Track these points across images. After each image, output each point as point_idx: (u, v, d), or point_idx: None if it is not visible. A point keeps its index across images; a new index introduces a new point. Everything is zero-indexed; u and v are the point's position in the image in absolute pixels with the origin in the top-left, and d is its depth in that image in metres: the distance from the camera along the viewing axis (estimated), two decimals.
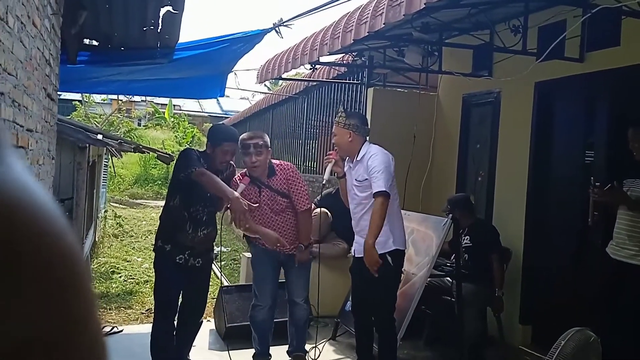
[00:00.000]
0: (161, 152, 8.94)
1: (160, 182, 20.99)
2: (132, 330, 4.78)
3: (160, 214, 3.58)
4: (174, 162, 3.63)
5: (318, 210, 5.25)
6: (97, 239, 9.00)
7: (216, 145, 3.41)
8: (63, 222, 0.29)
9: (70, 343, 0.28)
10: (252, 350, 3.86)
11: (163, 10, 3.78)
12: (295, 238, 3.72)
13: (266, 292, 3.75)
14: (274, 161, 3.73)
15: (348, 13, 4.02)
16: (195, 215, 3.39)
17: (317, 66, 5.50)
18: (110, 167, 12.95)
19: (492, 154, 5.04)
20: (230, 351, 3.67)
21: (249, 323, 3.92)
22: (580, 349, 2.96)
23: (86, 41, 4.32)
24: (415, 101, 5.79)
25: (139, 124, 25.13)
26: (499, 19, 4.29)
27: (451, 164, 5.51)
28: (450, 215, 4.14)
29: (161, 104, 25.34)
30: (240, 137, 3.62)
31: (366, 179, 3.36)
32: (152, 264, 3.66)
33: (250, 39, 4.48)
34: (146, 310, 6.06)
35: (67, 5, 3.47)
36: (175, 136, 23.56)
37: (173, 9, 3.77)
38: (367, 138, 3.55)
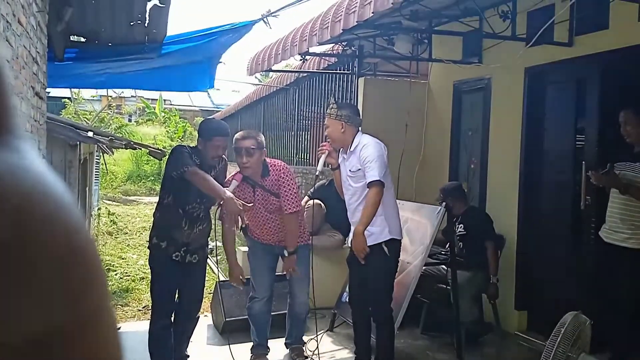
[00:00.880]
0: (153, 148, 8.90)
1: (153, 178, 20.90)
2: (130, 328, 4.77)
3: (154, 212, 3.54)
4: (166, 159, 3.60)
5: (312, 202, 5.25)
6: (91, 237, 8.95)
7: (207, 139, 3.39)
8: (77, 212, 0.29)
9: (87, 334, 0.28)
10: (250, 344, 3.88)
11: (150, 4, 3.74)
12: (290, 230, 3.72)
13: (263, 284, 3.77)
14: (268, 160, 3.68)
15: (336, 3, 4.00)
16: (191, 212, 3.36)
17: (307, 57, 5.48)
18: (102, 164, 12.89)
19: (484, 141, 5.05)
20: (230, 345, 3.67)
21: (246, 317, 3.93)
22: (578, 333, 2.99)
23: (73, 38, 4.27)
24: (406, 90, 5.79)
25: (130, 120, 24.98)
26: (488, 4, 4.28)
27: (443, 152, 5.52)
28: (444, 203, 4.16)
29: (151, 99, 25.20)
30: (235, 136, 3.61)
31: (359, 169, 3.37)
32: (147, 261, 3.62)
33: (238, 30, 4.45)
34: (143, 307, 6.06)
35: (53, 2, 3.43)
36: (167, 131, 23.45)
37: (160, 2, 3.73)
38: (360, 128, 3.54)
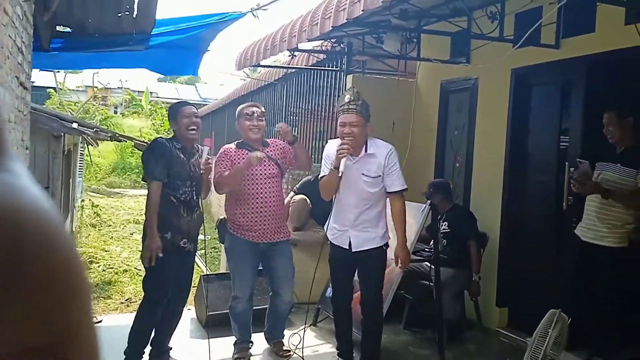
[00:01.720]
0: (138, 141, 8.84)
1: (137, 171, 20.71)
2: (112, 321, 4.75)
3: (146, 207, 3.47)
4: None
5: (297, 197, 5.26)
6: (74, 229, 8.88)
7: (177, 115, 3.45)
8: (65, 230, 0.30)
9: (70, 347, 0.29)
10: (233, 338, 3.88)
11: None
12: (280, 212, 3.76)
13: (246, 284, 3.71)
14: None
15: (326, 0, 4.00)
16: (185, 197, 3.38)
17: (296, 53, 5.47)
18: (86, 155, 12.76)
19: (469, 140, 5.09)
20: (211, 339, 3.66)
21: (228, 311, 3.91)
22: (559, 330, 3.04)
23: (59, 28, 4.22)
24: (394, 88, 5.81)
25: (115, 112, 24.74)
26: (477, 5, 4.31)
27: (430, 150, 5.55)
28: (429, 201, 4.19)
29: (138, 91, 24.98)
30: (242, 105, 3.81)
31: (379, 175, 3.29)
32: (141, 255, 3.49)
33: (227, 21, 4.43)
34: (125, 300, 6.03)
35: None
36: (153, 124, 23.26)
37: None
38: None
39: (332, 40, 5.17)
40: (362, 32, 4.98)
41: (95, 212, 11.37)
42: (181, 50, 4.88)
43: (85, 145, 10.37)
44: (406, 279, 4.13)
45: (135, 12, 3.89)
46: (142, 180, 3.48)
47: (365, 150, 3.30)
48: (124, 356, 3.43)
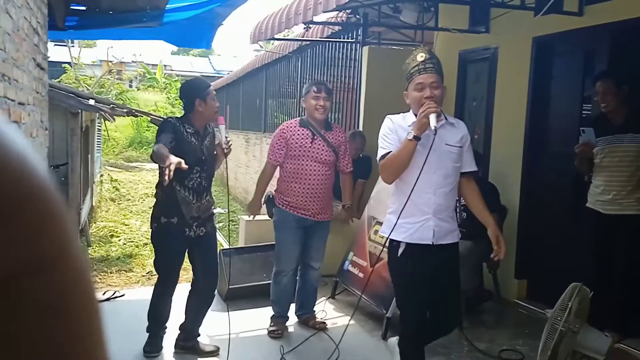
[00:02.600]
0: (154, 116, 8.87)
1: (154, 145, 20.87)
2: (134, 295, 4.84)
3: (155, 190, 3.36)
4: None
5: None
6: (94, 204, 9.02)
7: (205, 95, 3.22)
8: (32, 156, 0.29)
9: (53, 273, 0.28)
10: (252, 311, 3.93)
11: None
12: (328, 195, 3.79)
13: (292, 257, 3.80)
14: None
15: None
16: (193, 184, 3.25)
17: (311, 25, 5.39)
18: (104, 130, 12.85)
19: (488, 111, 5.01)
20: (230, 312, 3.71)
21: (249, 284, 3.97)
22: (580, 304, 3.03)
23: (74, 6, 4.20)
24: None
25: (130, 86, 24.80)
26: None
27: None
28: None
29: (152, 65, 24.95)
30: (306, 85, 3.82)
31: (460, 147, 2.70)
32: (151, 238, 3.44)
33: None
34: (147, 273, 6.14)
35: None
36: (168, 98, 23.30)
37: None
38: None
39: (348, 11, 5.08)
40: (378, 2, 4.88)
41: (114, 187, 11.50)
42: (195, 24, 4.83)
43: (102, 120, 10.44)
44: None
45: None
46: (150, 158, 3.20)
47: (445, 118, 2.71)
48: (147, 333, 3.47)
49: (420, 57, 2.70)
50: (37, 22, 2.91)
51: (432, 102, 2.55)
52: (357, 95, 5.91)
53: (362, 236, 4.59)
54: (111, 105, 7.31)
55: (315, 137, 3.68)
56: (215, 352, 3.48)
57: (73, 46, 18.52)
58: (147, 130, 20.61)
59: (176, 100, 23.08)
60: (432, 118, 2.51)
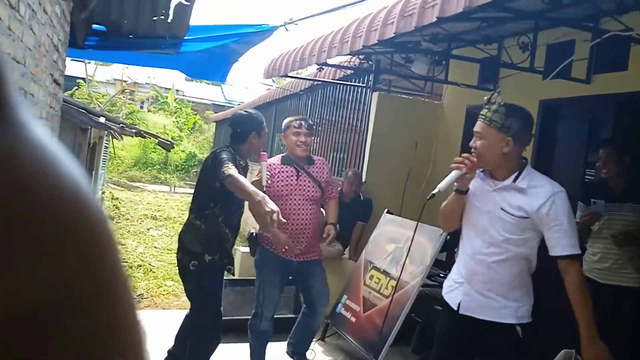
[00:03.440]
0: (162, 139, 8.96)
1: (159, 167, 21.00)
2: None
3: (195, 223, 3.16)
4: (206, 165, 3.21)
5: None
6: None
7: (260, 130, 3.21)
8: (85, 184, 0.28)
9: (101, 304, 0.28)
10: (244, 345, 3.85)
11: (175, 1, 3.78)
12: (316, 233, 3.60)
13: (273, 302, 3.56)
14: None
15: (358, 19, 4.02)
16: (236, 222, 3.20)
17: (324, 66, 5.51)
18: (110, 148, 12.94)
19: None
20: (222, 344, 3.65)
21: (241, 317, 3.87)
22: None
23: (95, 27, 4.31)
24: (419, 108, 5.81)
25: (141, 107, 25.09)
26: (508, 33, 4.29)
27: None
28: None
29: (164, 88, 25.31)
30: (289, 118, 3.64)
31: (527, 217, 2.26)
32: (188, 276, 3.17)
33: (260, 34, 4.48)
34: (137, 296, 6.09)
35: None
36: (177, 122, 23.54)
37: (185, 0, 3.77)
38: (523, 154, 2.39)
39: (361, 56, 5.19)
40: (391, 51, 5.00)
41: (114, 205, 11.51)
42: (212, 57, 4.94)
43: (110, 138, 10.53)
44: (419, 302, 4.10)
45: (170, 17, 3.96)
46: (220, 180, 2.89)
47: (514, 180, 2.30)
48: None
49: (485, 99, 2.42)
50: (58, 39, 2.99)
51: (467, 157, 2.31)
52: (364, 137, 5.98)
53: (357, 280, 4.56)
54: (121, 125, 7.40)
55: (300, 174, 3.52)
56: None
57: (89, 63, 18.86)
58: (153, 152, 20.76)
59: (184, 125, 23.29)
60: (449, 177, 2.33)
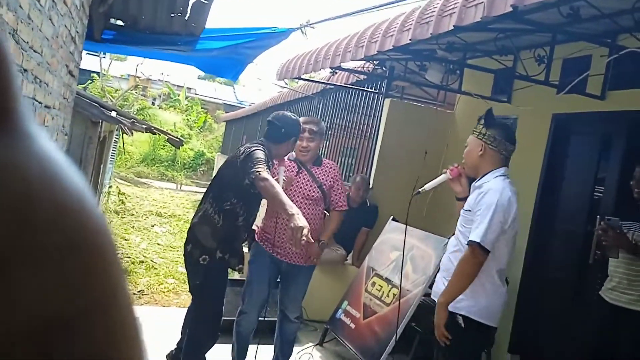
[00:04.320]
0: (172, 136, 8.97)
1: (166, 164, 21.07)
2: None
3: (216, 219, 3.07)
4: (235, 159, 3.11)
5: None
6: None
7: (297, 137, 3.18)
8: (90, 197, 0.28)
9: (98, 321, 0.28)
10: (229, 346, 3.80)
11: None
12: (314, 233, 3.36)
13: (259, 300, 3.48)
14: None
15: (374, 24, 4.02)
16: (252, 221, 3.16)
17: (337, 70, 5.51)
18: (120, 142, 13.00)
19: None
20: (217, 344, 3.64)
21: (232, 318, 3.84)
22: None
23: (112, 21, 4.33)
24: (431, 117, 5.79)
25: (153, 103, 25.24)
26: (525, 45, 4.28)
27: None
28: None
29: (177, 86, 25.44)
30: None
31: (469, 210, 2.61)
32: (205, 277, 3.12)
33: (276, 36, 4.50)
34: (138, 292, 6.09)
35: None
36: (187, 120, 23.64)
37: None
38: (507, 165, 2.72)
39: (375, 62, 5.19)
40: (405, 58, 4.99)
41: (120, 200, 11.55)
42: (226, 56, 4.96)
43: (120, 133, 10.57)
44: (420, 312, 4.07)
45: (187, 15, 3.97)
46: (251, 181, 2.81)
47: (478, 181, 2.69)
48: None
49: (478, 117, 2.78)
50: (76, 31, 3.01)
51: (458, 165, 2.76)
52: (373, 144, 5.97)
53: (358, 286, 4.54)
54: (132, 120, 7.42)
55: (301, 170, 3.45)
56: None
57: (104, 57, 18.99)
58: (162, 148, 20.84)
59: (195, 123, 23.37)
60: (436, 180, 2.79)
